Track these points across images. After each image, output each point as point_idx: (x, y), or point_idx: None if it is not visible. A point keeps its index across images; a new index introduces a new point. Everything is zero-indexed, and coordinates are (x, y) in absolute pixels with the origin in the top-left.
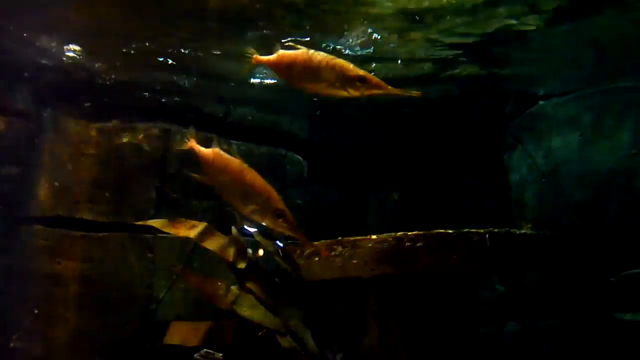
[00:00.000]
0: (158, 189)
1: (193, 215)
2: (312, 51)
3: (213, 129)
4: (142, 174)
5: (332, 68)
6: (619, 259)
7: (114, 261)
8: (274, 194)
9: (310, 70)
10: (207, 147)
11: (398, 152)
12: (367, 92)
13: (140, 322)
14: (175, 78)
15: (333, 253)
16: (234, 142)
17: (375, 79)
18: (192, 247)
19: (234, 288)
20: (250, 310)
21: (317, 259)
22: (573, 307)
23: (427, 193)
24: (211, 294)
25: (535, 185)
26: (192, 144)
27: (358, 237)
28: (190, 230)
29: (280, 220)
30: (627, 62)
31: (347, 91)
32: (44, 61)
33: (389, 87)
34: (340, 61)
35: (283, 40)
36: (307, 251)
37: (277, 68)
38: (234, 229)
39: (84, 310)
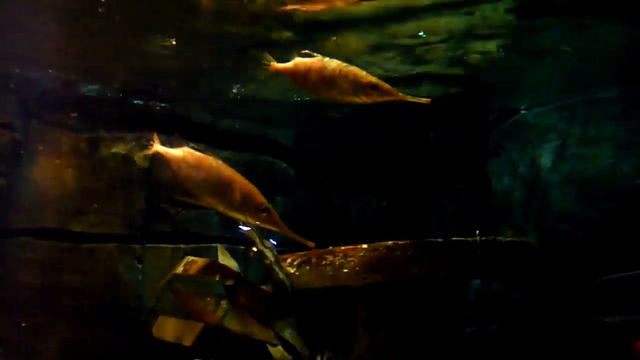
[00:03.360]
0: (147, 199)
1: (182, 224)
2: (326, 59)
3: (200, 138)
4: (130, 185)
5: (346, 75)
6: (601, 264)
7: (103, 273)
8: (255, 189)
9: (324, 77)
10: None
11: (383, 159)
12: (378, 99)
13: (131, 334)
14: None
15: (324, 262)
16: (222, 150)
17: (387, 86)
18: (182, 256)
19: (223, 302)
20: (241, 324)
21: (308, 267)
22: (557, 310)
23: (411, 199)
24: (200, 310)
25: (519, 193)
26: (157, 147)
27: (349, 247)
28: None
29: (264, 215)
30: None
31: (359, 97)
32: (30, 72)
33: (400, 93)
34: (354, 68)
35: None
36: (298, 260)
37: (293, 76)
38: (220, 247)
39: (73, 323)
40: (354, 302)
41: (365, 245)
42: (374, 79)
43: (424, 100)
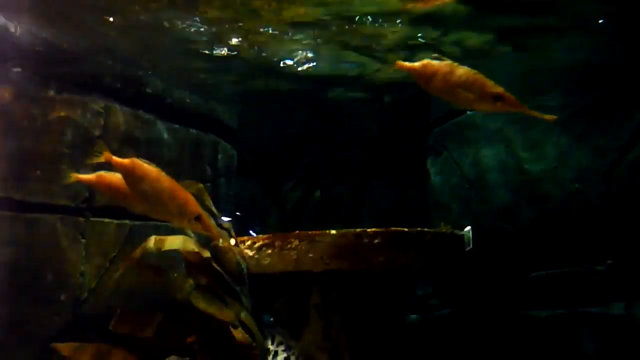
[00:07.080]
0: (94, 170)
1: None
2: (455, 64)
3: (152, 110)
4: (78, 152)
5: (473, 83)
6: (532, 261)
7: (44, 246)
8: (190, 198)
9: (451, 83)
10: None
11: (322, 149)
12: (501, 109)
13: (72, 313)
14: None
15: (289, 246)
16: (172, 124)
17: (512, 98)
18: (126, 233)
19: (190, 280)
20: (205, 303)
21: (270, 251)
22: (488, 303)
23: (346, 190)
24: (167, 284)
25: (458, 190)
26: (108, 155)
27: (316, 232)
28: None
29: (198, 222)
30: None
31: (482, 106)
32: None
33: (525, 106)
34: (481, 77)
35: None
36: (260, 242)
37: (419, 76)
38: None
39: (9, 300)
40: (309, 287)
41: (333, 231)
42: (500, 90)
43: (548, 117)
